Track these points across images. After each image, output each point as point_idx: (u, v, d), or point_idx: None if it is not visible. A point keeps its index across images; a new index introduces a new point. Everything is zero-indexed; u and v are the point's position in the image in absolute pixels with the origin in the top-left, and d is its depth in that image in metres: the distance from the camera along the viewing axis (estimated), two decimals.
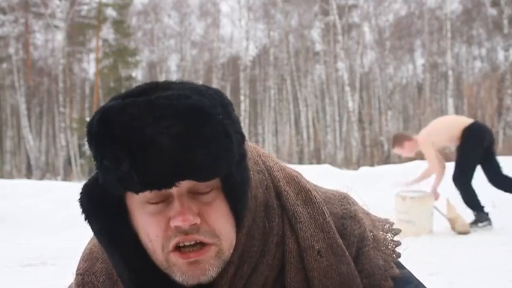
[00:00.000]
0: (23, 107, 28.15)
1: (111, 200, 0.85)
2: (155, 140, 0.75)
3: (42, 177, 24.67)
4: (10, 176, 25.60)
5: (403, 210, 6.30)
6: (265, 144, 31.34)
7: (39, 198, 8.80)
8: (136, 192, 0.79)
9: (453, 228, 6.24)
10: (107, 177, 0.80)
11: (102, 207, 0.86)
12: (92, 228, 0.88)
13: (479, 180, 8.49)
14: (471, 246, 5.42)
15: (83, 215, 0.87)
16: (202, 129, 0.77)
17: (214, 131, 0.78)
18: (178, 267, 0.84)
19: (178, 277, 0.84)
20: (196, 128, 0.77)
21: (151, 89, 0.83)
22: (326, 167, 12.06)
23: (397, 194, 6.55)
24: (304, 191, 0.97)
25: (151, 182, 0.77)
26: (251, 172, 0.90)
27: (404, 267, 1.01)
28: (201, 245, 0.84)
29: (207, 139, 0.77)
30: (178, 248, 0.83)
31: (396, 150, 6.74)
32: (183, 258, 0.83)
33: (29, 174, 27.60)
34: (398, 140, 6.71)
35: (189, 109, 0.78)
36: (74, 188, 9.20)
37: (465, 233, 6.18)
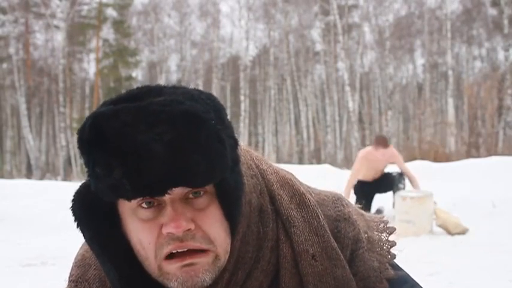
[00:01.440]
0: (23, 107, 28.15)
1: (103, 207, 0.84)
2: (148, 147, 0.74)
3: (42, 177, 24.67)
4: (10, 176, 25.60)
5: (403, 210, 6.31)
6: (265, 144, 31.35)
7: (39, 198, 8.80)
8: (129, 199, 0.78)
9: (448, 232, 6.24)
10: (99, 184, 0.78)
11: (94, 214, 0.85)
12: (83, 235, 0.87)
13: (479, 180, 8.49)
14: (471, 246, 5.42)
15: (75, 223, 0.86)
16: (195, 136, 0.76)
17: (207, 137, 0.77)
18: (172, 274, 0.82)
19: (172, 283, 0.83)
20: (189, 134, 0.76)
21: (144, 94, 0.81)
22: (326, 167, 12.08)
23: (397, 194, 6.55)
24: (298, 195, 0.96)
25: (143, 190, 0.76)
26: (245, 177, 0.89)
27: (399, 268, 1.00)
28: (199, 251, 0.82)
29: (200, 145, 0.76)
30: (171, 256, 0.82)
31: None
32: (177, 262, 0.82)
33: (29, 174, 27.60)
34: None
35: (182, 115, 0.76)
36: (74, 188, 9.13)
37: (461, 232, 6.18)
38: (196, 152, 0.76)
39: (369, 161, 7.35)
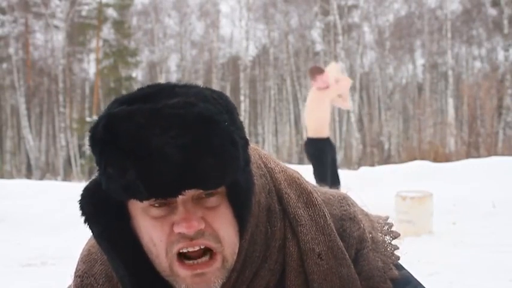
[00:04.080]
0: (23, 107, 28.15)
1: (113, 204, 0.84)
2: (162, 150, 0.75)
3: (42, 177, 24.65)
4: (10, 176, 25.57)
5: (403, 210, 6.31)
6: (265, 144, 31.34)
7: (39, 198, 8.79)
8: (141, 200, 0.79)
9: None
10: (111, 184, 0.79)
11: (104, 210, 0.85)
12: (92, 231, 0.87)
13: (479, 180, 8.49)
14: (471, 246, 5.42)
15: (83, 218, 0.86)
16: (209, 139, 0.77)
17: (221, 140, 0.77)
18: (182, 278, 0.83)
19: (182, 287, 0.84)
20: (203, 137, 0.76)
21: (156, 95, 0.81)
22: None
23: (397, 194, 6.55)
24: (306, 193, 0.96)
25: (157, 191, 0.77)
26: (254, 177, 0.89)
27: (403, 268, 1.01)
28: (208, 255, 0.83)
29: (214, 148, 0.77)
30: (182, 255, 0.83)
31: (313, 84, 6.85)
32: (188, 270, 0.82)
33: (29, 174, 27.58)
34: (311, 73, 6.85)
35: (196, 118, 0.77)
36: (74, 188, 9.17)
37: None
38: (209, 156, 0.76)
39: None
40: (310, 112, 6.79)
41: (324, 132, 6.76)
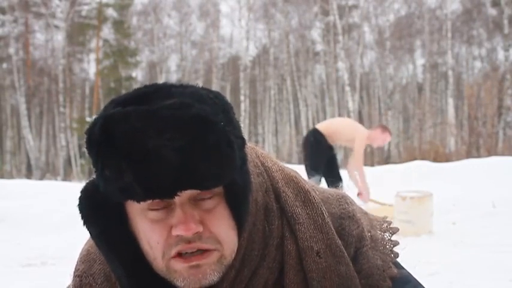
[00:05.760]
0: (23, 107, 28.14)
1: (111, 206, 0.84)
2: (158, 153, 0.75)
3: (42, 177, 24.64)
4: (10, 176, 25.58)
5: (403, 210, 6.31)
6: (265, 144, 31.34)
7: (39, 198, 8.79)
8: (138, 201, 0.79)
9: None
10: (108, 186, 0.79)
11: (102, 213, 0.85)
12: (90, 233, 0.88)
13: (479, 180, 8.49)
14: (471, 246, 5.42)
15: (82, 221, 0.87)
16: (205, 140, 0.77)
17: (217, 141, 0.78)
18: (179, 272, 0.83)
19: (179, 282, 0.84)
20: (199, 138, 0.77)
21: (152, 95, 0.82)
22: None
23: (397, 194, 6.55)
24: (303, 192, 0.96)
25: (154, 193, 0.77)
26: (251, 176, 0.90)
27: (402, 267, 1.01)
28: (203, 250, 0.83)
29: (209, 149, 0.77)
30: (179, 255, 0.83)
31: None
32: (184, 263, 0.83)
33: (29, 174, 27.58)
34: (382, 127, 6.91)
35: (192, 119, 0.77)
36: (74, 188, 9.17)
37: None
38: (205, 157, 0.77)
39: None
40: (343, 129, 6.82)
41: (330, 138, 6.77)
